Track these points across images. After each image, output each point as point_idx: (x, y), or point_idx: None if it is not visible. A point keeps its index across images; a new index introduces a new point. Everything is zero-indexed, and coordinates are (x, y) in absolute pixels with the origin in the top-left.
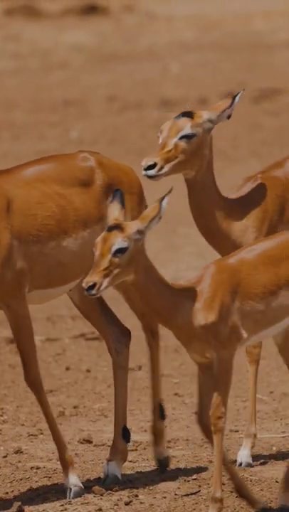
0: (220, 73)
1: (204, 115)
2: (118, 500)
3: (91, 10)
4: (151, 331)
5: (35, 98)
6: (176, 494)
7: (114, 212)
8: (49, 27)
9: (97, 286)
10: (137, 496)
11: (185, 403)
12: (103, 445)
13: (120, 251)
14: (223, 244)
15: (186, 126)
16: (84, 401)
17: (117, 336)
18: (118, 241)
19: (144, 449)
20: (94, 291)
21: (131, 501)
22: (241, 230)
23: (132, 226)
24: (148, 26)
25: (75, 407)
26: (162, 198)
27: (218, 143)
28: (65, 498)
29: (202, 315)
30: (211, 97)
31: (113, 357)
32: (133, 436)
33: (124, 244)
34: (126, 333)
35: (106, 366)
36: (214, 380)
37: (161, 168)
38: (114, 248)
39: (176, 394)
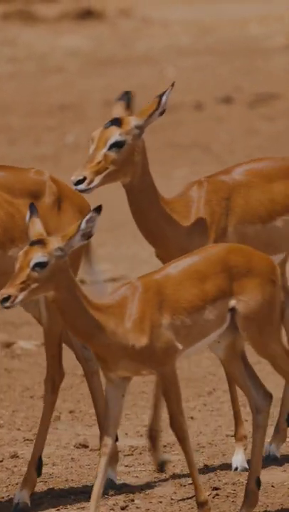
0: (216, 78)
1: (132, 122)
2: (114, 504)
3: (87, 14)
4: None
5: (32, 102)
6: (172, 499)
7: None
8: (45, 31)
9: (11, 299)
10: (132, 500)
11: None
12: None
13: (39, 265)
14: (169, 249)
15: (115, 135)
16: (80, 406)
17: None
18: (38, 256)
19: (140, 453)
20: (8, 304)
21: (127, 506)
22: (187, 234)
23: (55, 242)
24: (144, 31)
25: (71, 412)
26: (82, 220)
27: (214, 147)
28: (62, 502)
29: (134, 337)
30: (207, 102)
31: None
32: (129, 441)
33: (43, 259)
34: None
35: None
36: (164, 395)
37: (91, 181)
38: (32, 262)
39: None
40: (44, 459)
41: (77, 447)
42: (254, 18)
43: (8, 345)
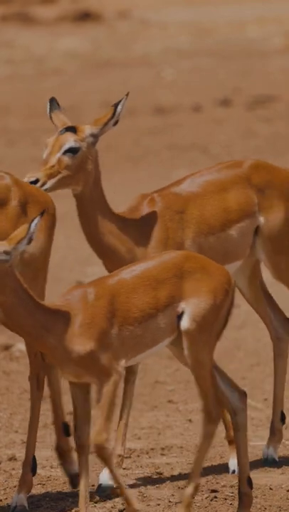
0: (214, 80)
1: (87, 130)
2: (112, 507)
3: (85, 17)
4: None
5: (30, 104)
6: (169, 501)
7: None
8: (43, 33)
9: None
10: None
11: (179, 410)
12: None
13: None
14: (120, 264)
15: (70, 141)
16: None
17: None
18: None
19: (138, 456)
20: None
21: (125, 508)
22: (140, 251)
23: (1, 247)
24: (142, 33)
25: (69, 414)
26: (33, 220)
27: (213, 149)
28: (60, 505)
29: (80, 342)
30: (205, 104)
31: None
32: (127, 444)
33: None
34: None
35: None
36: (98, 406)
37: (44, 183)
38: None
39: (170, 401)
40: (42, 462)
41: (75, 450)
42: (252, 20)
43: (7, 347)
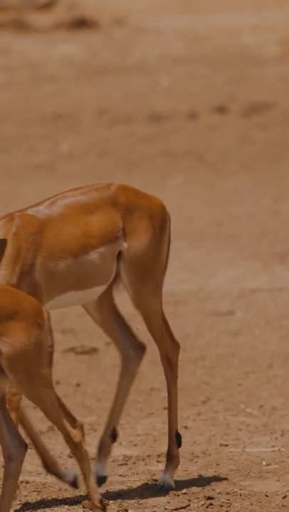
0: (210, 87)
1: None
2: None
3: (81, 23)
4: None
5: (25, 111)
6: (165, 508)
7: None
8: (39, 40)
9: None
10: (126, 510)
11: None
12: (93, 459)
13: None
14: None
15: None
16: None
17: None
18: None
19: (134, 463)
20: None
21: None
22: None
23: None
24: (138, 39)
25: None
26: None
27: (209, 156)
28: None
29: None
30: (201, 111)
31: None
32: (123, 451)
33: None
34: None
35: (96, 380)
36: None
37: None
38: None
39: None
40: (37, 469)
41: (71, 457)
42: (248, 28)
43: None
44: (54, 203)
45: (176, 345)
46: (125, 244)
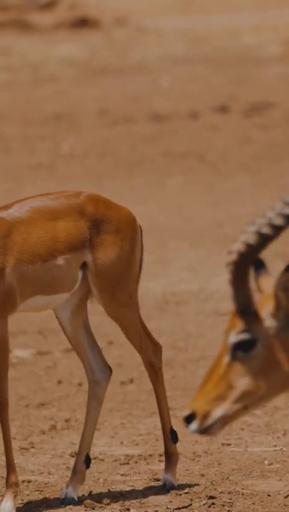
0: (210, 87)
1: None
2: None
3: (82, 23)
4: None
5: (26, 111)
6: (167, 508)
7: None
8: (40, 40)
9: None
10: (128, 509)
11: (176, 416)
12: (95, 458)
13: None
14: None
15: None
16: (75, 414)
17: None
18: None
19: (136, 462)
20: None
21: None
22: None
23: None
24: (139, 40)
25: (66, 421)
26: None
27: (209, 156)
28: None
29: None
30: (202, 111)
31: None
32: (125, 450)
33: None
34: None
35: None
36: None
37: None
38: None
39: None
40: (39, 468)
41: (73, 456)
42: (248, 28)
43: None
44: (22, 207)
45: (158, 349)
46: (90, 256)
